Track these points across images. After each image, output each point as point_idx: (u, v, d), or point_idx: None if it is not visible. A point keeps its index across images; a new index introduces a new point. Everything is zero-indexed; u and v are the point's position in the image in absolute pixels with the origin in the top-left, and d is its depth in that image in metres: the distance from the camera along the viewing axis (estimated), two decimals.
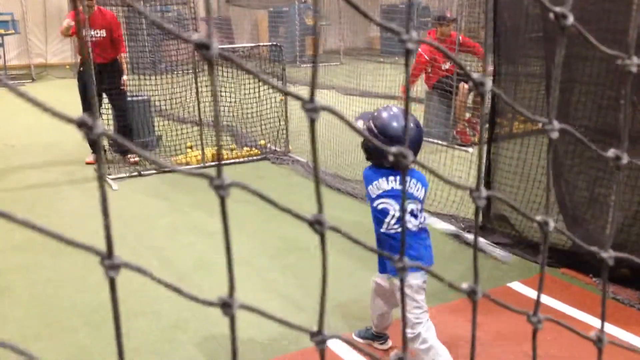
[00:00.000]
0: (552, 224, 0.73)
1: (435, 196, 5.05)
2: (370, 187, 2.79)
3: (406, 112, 0.65)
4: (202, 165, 6.72)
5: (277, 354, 3.18)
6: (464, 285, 0.71)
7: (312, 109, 0.60)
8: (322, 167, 6.40)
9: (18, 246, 4.61)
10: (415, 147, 2.76)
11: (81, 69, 6.38)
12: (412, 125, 2.72)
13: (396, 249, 2.73)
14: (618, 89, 3.77)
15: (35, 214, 5.35)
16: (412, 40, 0.63)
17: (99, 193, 0.57)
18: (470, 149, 7.02)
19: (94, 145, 0.56)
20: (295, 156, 7.06)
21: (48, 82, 13.27)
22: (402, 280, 0.69)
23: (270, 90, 7.34)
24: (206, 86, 7.11)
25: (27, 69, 13.75)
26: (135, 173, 6.41)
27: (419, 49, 7.43)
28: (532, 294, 3.80)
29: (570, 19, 0.69)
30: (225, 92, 7.30)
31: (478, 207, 0.70)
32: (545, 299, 3.67)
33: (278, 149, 7.23)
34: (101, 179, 0.56)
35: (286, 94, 0.62)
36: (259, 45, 8.76)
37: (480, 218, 3.03)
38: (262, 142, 7.33)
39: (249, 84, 7.33)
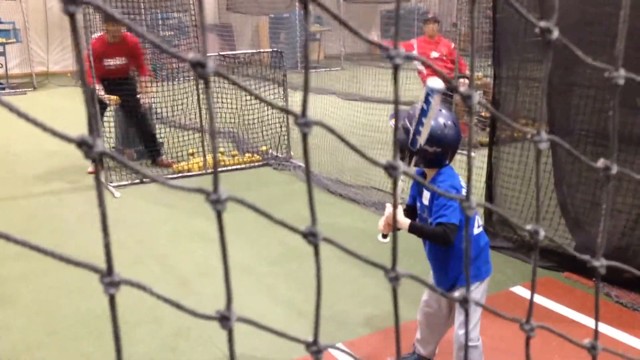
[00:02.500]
0: (542, 233, 0.73)
1: None
2: (463, 191, 2.60)
3: (396, 125, 0.65)
4: (204, 172, 6.73)
5: None
6: (456, 294, 0.72)
7: (304, 124, 0.60)
8: (323, 172, 6.41)
9: (20, 254, 4.61)
10: (455, 144, 2.63)
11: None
12: (450, 123, 2.58)
13: (486, 249, 2.75)
14: (619, 92, 3.77)
15: (38, 222, 5.36)
16: (400, 56, 0.64)
17: (102, 204, 0.57)
18: (473, 153, 7.00)
19: (95, 163, 0.57)
20: (297, 162, 7.06)
21: (50, 90, 13.30)
22: (394, 290, 0.68)
23: (272, 97, 7.35)
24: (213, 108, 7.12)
25: (28, 78, 13.78)
26: (137, 180, 6.42)
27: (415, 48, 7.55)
28: (534, 298, 3.79)
29: (556, 34, 0.70)
30: (227, 98, 7.31)
31: (468, 217, 0.70)
32: (549, 303, 3.67)
33: (280, 155, 7.24)
34: (101, 197, 0.56)
35: (281, 110, 0.62)
36: (260, 52, 8.78)
37: (482, 222, 3.03)
38: (264, 148, 7.34)
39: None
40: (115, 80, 6.61)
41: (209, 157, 6.79)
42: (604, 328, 3.45)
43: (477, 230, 2.70)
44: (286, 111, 0.62)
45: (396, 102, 0.63)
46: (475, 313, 2.72)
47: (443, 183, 2.61)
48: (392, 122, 2.76)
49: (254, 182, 6.51)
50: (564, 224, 4.24)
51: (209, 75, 0.57)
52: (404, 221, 2.62)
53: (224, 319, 0.61)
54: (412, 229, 2.61)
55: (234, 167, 6.92)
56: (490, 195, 4.65)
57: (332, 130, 0.63)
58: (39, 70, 14.54)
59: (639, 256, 3.80)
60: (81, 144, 0.54)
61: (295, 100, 7.59)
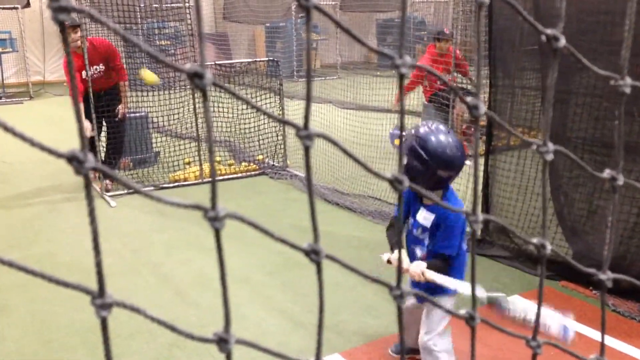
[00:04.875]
0: (549, 247, 0.72)
1: None
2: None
3: (401, 132, 0.64)
4: (200, 181, 6.71)
5: None
6: (462, 311, 0.70)
7: (306, 137, 0.58)
8: (320, 181, 6.40)
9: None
10: (458, 166, 2.62)
11: (88, 91, 6.26)
12: (456, 143, 2.58)
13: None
14: (615, 100, 3.78)
15: (33, 231, 5.33)
16: (406, 65, 0.61)
17: (94, 222, 0.55)
18: (468, 162, 7.01)
19: (86, 179, 0.55)
20: (293, 171, 7.05)
21: (46, 99, 13.29)
22: (399, 308, 0.67)
23: (268, 105, 7.35)
24: (204, 102, 7.11)
25: (25, 87, 13.78)
26: (133, 190, 6.38)
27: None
28: (530, 306, 3.78)
29: (562, 41, 0.69)
30: (223, 107, 7.31)
31: (475, 231, 0.69)
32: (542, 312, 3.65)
33: (276, 164, 7.23)
34: (92, 214, 0.54)
35: (281, 122, 0.61)
36: (256, 61, 8.79)
37: (479, 232, 3.03)
38: (260, 157, 7.33)
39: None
40: (100, 93, 6.35)
41: (206, 167, 6.78)
42: (600, 337, 3.43)
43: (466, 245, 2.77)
44: (287, 123, 0.60)
45: (402, 110, 0.62)
46: (442, 321, 2.79)
47: (456, 215, 2.63)
48: (396, 143, 2.77)
49: (251, 191, 6.49)
50: (561, 233, 4.23)
51: (206, 86, 0.55)
52: (423, 266, 2.60)
53: (222, 342, 0.60)
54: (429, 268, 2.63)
55: (231, 176, 6.90)
56: (486, 203, 4.65)
57: (335, 143, 0.61)
58: (36, 79, 14.54)
59: (636, 264, 3.80)
60: (71, 159, 0.52)
61: (291, 109, 7.59)
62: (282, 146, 7.23)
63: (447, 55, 7.46)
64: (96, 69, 6.34)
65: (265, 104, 7.36)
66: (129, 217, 5.65)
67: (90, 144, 6.21)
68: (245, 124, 7.42)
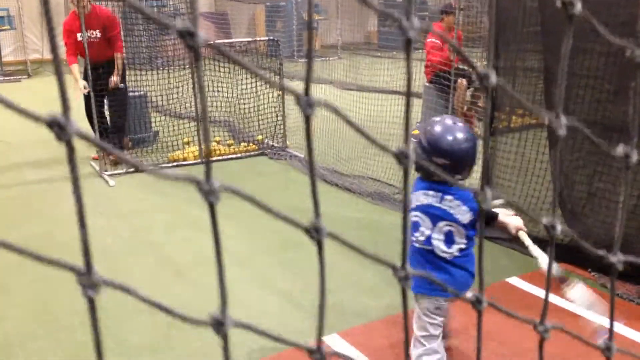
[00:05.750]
0: (559, 227, 0.71)
1: None
2: (412, 195, 2.64)
3: (407, 105, 0.63)
4: (199, 161, 6.70)
5: (271, 352, 3.16)
6: (469, 294, 0.69)
7: (307, 104, 0.54)
8: (319, 162, 6.38)
9: (14, 244, 4.59)
10: (467, 161, 2.58)
11: (87, 68, 6.25)
12: (460, 135, 2.54)
13: (420, 265, 2.63)
14: (617, 82, 3.76)
15: (31, 210, 5.33)
16: (414, 28, 0.56)
17: (78, 191, 0.52)
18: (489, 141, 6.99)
19: (68, 146, 0.49)
20: (292, 151, 7.04)
21: (44, 77, 13.21)
22: (403, 290, 0.65)
23: (268, 86, 7.32)
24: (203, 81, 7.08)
25: (23, 65, 13.70)
26: (132, 169, 6.38)
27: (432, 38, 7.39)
28: (530, 288, 3.79)
29: (578, 7, 0.66)
30: (222, 87, 7.27)
31: (483, 210, 0.67)
32: (543, 294, 3.67)
33: (275, 144, 7.21)
34: (76, 186, 0.51)
35: (281, 89, 0.58)
36: (256, 40, 8.73)
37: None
38: (260, 137, 7.31)
39: (246, 79, 7.30)
40: (98, 65, 6.37)
41: (204, 146, 6.74)
42: (599, 319, 3.45)
43: (415, 243, 2.65)
44: (287, 90, 0.56)
45: (409, 81, 0.59)
46: (421, 324, 2.71)
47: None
48: (415, 132, 2.71)
49: (250, 171, 6.48)
50: (561, 215, 4.23)
51: (199, 46, 0.50)
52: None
53: (218, 324, 0.56)
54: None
55: (230, 156, 6.89)
56: (487, 185, 4.64)
57: (337, 112, 0.58)
58: (34, 57, 14.45)
59: (635, 247, 3.80)
60: (52, 124, 0.46)
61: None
62: (282, 126, 7.21)
63: (454, 29, 7.43)
64: (92, 33, 6.33)
65: (265, 84, 7.32)
66: (128, 197, 5.65)
67: (99, 120, 6.31)
68: (244, 104, 7.39)
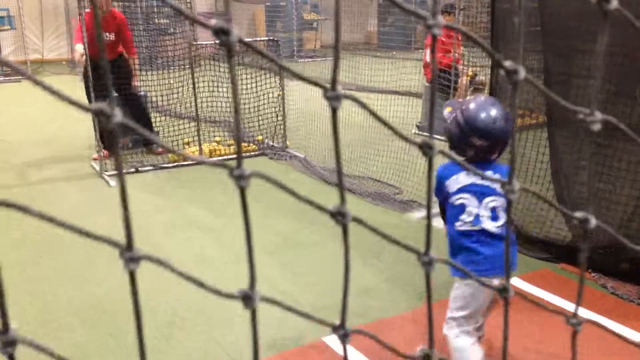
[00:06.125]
0: (593, 222, 0.70)
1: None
2: (448, 182, 2.62)
3: (432, 96, 0.62)
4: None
5: (277, 351, 3.17)
6: (496, 282, 0.69)
7: (334, 98, 0.57)
8: (320, 163, 6.39)
9: (15, 243, 4.59)
10: (505, 141, 2.58)
11: (87, 68, 6.31)
12: (498, 115, 2.51)
13: (471, 249, 2.58)
14: (617, 82, 3.76)
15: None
16: (439, 25, 0.58)
17: (122, 179, 0.55)
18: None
19: (111, 135, 0.55)
20: (293, 151, 7.03)
21: (44, 78, 13.20)
22: (427, 276, 0.65)
23: (268, 86, 7.32)
24: (203, 81, 7.09)
25: (23, 65, 13.70)
26: (133, 169, 6.39)
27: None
28: (531, 289, 3.79)
29: (614, 3, 0.64)
30: (222, 87, 7.27)
31: (511, 202, 0.66)
32: (545, 294, 3.67)
33: (276, 145, 7.21)
34: (120, 172, 0.56)
35: (308, 82, 0.59)
36: (256, 40, 8.73)
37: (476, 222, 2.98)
38: (260, 137, 7.31)
39: (246, 79, 7.30)
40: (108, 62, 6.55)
41: (205, 147, 6.76)
42: (599, 319, 3.45)
43: (460, 227, 2.61)
44: (315, 84, 0.59)
45: (433, 73, 0.58)
46: (454, 303, 2.65)
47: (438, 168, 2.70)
48: (446, 111, 2.68)
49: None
50: (561, 216, 4.23)
51: (233, 43, 0.54)
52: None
53: (247, 298, 0.63)
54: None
55: (230, 156, 6.89)
56: None
57: (364, 105, 0.61)
58: (34, 57, 14.46)
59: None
60: (98, 113, 0.51)
61: (292, 90, 7.55)
62: (282, 127, 7.21)
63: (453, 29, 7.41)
64: (107, 36, 6.49)
65: (265, 84, 7.32)
66: (129, 197, 5.64)
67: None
68: (245, 104, 7.39)
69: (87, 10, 6.41)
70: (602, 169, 3.87)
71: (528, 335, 3.21)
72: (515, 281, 3.88)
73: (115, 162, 0.55)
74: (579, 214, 0.69)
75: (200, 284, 0.60)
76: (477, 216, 2.59)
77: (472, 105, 2.56)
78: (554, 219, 4.22)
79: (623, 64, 3.63)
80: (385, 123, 0.61)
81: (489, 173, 2.53)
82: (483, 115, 2.51)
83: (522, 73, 0.63)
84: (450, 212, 2.66)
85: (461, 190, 2.60)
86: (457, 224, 2.61)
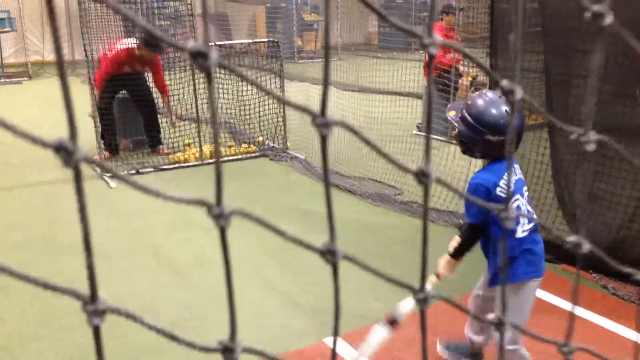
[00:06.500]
0: (586, 246, 0.69)
1: (434, 191, 5.04)
2: (498, 189, 2.41)
3: (429, 106, 0.62)
4: (200, 162, 6.70)
5: (276, 353, 3.16)
6: (491, 316, 0.68)
7: (323, 125, 0.54)
8: (318, 164, 6.38)
9: (16, 245, 4.59)
10: (520, 133, 2.52)
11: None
12: (506, 107, 2.39)
13: (527, 251, 2.50)
14: (616, 83, 3.75)
15: (34, 213, 5.33)
16: (436, 44, 0.56)
17: (85, 219, 0.51)
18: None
19: (75, 171, 0.50)
20: (293, 153, 7.04)
21: (45, 79, 13.22)
22: (422, 313, 0.64)
23: (269, 87, 7.32)
24: (204, 83, 7.09)
25: (24, 67, 13.70)
26: (133, 171, 6.40)
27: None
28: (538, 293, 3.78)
29: (609, 19, 0.63)
30: (224, 89, 7.28)
31: (506, 228, 0.65)
32: (546, 295, 3.66)
33: (276, 146, 7.22)
34: (83, 211, 0.51)
35: (297, 109, 0.56)
36: (256, 42, 8.73)
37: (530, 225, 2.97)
38: (260, 138, 7.31)
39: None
40: (124, 75, 6.69)
41: (205, 148, 6.76)
42: (600, 320, 3.45)
43: (521, 233, 2.48)
44: (303, 110, 0.55)
45: (430, 92, 0.57)
46: (514, 314, 2.49)
47: (474, 180, 2.52)
48: (450, 114, 2.57)
49: (251, 172, 6.48)
50: (562, 217, 4.23)
51: (211, 67, 0.50)
52: (448, 260, 2.64)
53: (227, 351, 0.55)
54: (456, 255, 2.62)
55: (231, 157, 6.89)
56: None
57: (355, 132, 0.56)
58: (35, 59, 14.46)
59: (636, 249, 3.80)
60: (59, 149, 0.46)
61: (292, 91, 7.55)
62: (282, 128, 7.21)
63: (452, 29, 7.45)
64: (128, 70, 6.71)
65: (266, 85, 7.32)
66: (129, 198, 5.65)
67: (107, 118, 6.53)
68: (245, 105, 7.40)
69: (123, 45, 6.61)
70: (603, 169, 3.87)
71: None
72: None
73: (77, 195, 0.51)
74: (572, 238, 0.68)
75: (172, 337, 0.57)
76: (528, 214, 2.55)
77: (478, 102, 2.48)
78: (555, 219, 4.21)
79: (622, 64, 3.63)
80: (378, 151, 0.59)
81: (517, 165, 2.52)
82: (492, 110, 2.42)
83: (520, 93, 0.62)
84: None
85: (514, 191, 2.48)
86: (519, 229, 2.47)
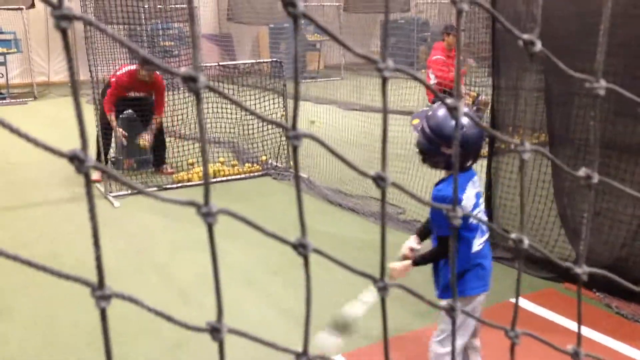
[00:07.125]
0: (526, 242, 0.73)
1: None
2: (463, 202, 2.43)
3: (384, 141, 0.65)
4: (204, 181, 6.72)
5: None
6: (443, 303, 0.72)
7: (294, 137, 0.61)
8: (323, 182, 6.41)
9: (20, 265, 4.60)
10: (476, 146, 2.44)
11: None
12: (465, 121, 2.24)
13: (477, 265, 2.51)
14: (617, 102, 3.78)
15: (37, 231, 5.35)
16: (389, 69, 0.65)
17: (94, 218, 0.58)
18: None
19: (85, 177, 0.58)
20: None
21: (50, 100, 13.31)
22: (383, 300, 0.68)
23: (271, 107, 7.37)
24: (207, 103, 7.14)
25: (29, 87, 13.80)
26: (137, 190, 6.41)
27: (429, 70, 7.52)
28: (534, 309, 3.78)
29: (538, 46, 0.71)
30: (227, 108, 7.33)
31: (454, 227, 0.68)
32: (548, 314, 3.66)
33: (279, 165, 7.24)
34: (92, 211, 0.57)
35: (270, 123, 0.63)
36: (260, 62, 8.81)
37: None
38: (264, 158, 7.34)
39: (250, 100, 7.36)
40: (131, 98, 6.77)
41: (209, 167, 6.78)
42: (604, 339, 3.43)
43: (477, 247, 2.51)
44: (275, 123, 0.64)
45: (384, 112, 0.63)
46: (447, 326, 2.59)
47: (439, 192, 2.53)
48: (413, 122, 2.55)
49: (254, 191, 6.50)
50: (564, 235, 4.23)
51: (200, 89, 0.57)
52: (406, 264, 2.60)
53: (215, 331, 0.64)
54: (419, 264, 2.61)
55: (234, 177, 6.92)
56: (489, 205, 4.65)
57: (322, 143, 0.64)
58: (40, 80, 14.57)
59: (639, 267, 3.79)
60: (73, 158, 0.55)
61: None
62: (285, 147, 7.24)
63: (454, 50, 7.50)
64: (142, 94, 6.80)
65: (269, 105, 7.37)
66: (133, 218, 5.67)
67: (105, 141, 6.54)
68: (248, 125, 7.44)
69: (125, 69, 6.69)
70: (605, 188, 3.88)
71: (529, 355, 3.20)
72: (520, 301, 3.87)
73: (87, 197, 0.59)
74: (513, 235, 0.74)
75: (169, 318, 0.65)
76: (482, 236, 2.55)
77: (438, 113, 2.43)
78: (557, 237, 4.21)
79: (624, 83, 3.66)
80: (341, 158, 0.65)
81: (476, 179, 2.52)
82: (450, 123, 2.31)
83: (527, 154, 0.69)
84: (470, 234, 2.48)
85: (475, 204, 2.49)
86: (476, 242, 2.50)
